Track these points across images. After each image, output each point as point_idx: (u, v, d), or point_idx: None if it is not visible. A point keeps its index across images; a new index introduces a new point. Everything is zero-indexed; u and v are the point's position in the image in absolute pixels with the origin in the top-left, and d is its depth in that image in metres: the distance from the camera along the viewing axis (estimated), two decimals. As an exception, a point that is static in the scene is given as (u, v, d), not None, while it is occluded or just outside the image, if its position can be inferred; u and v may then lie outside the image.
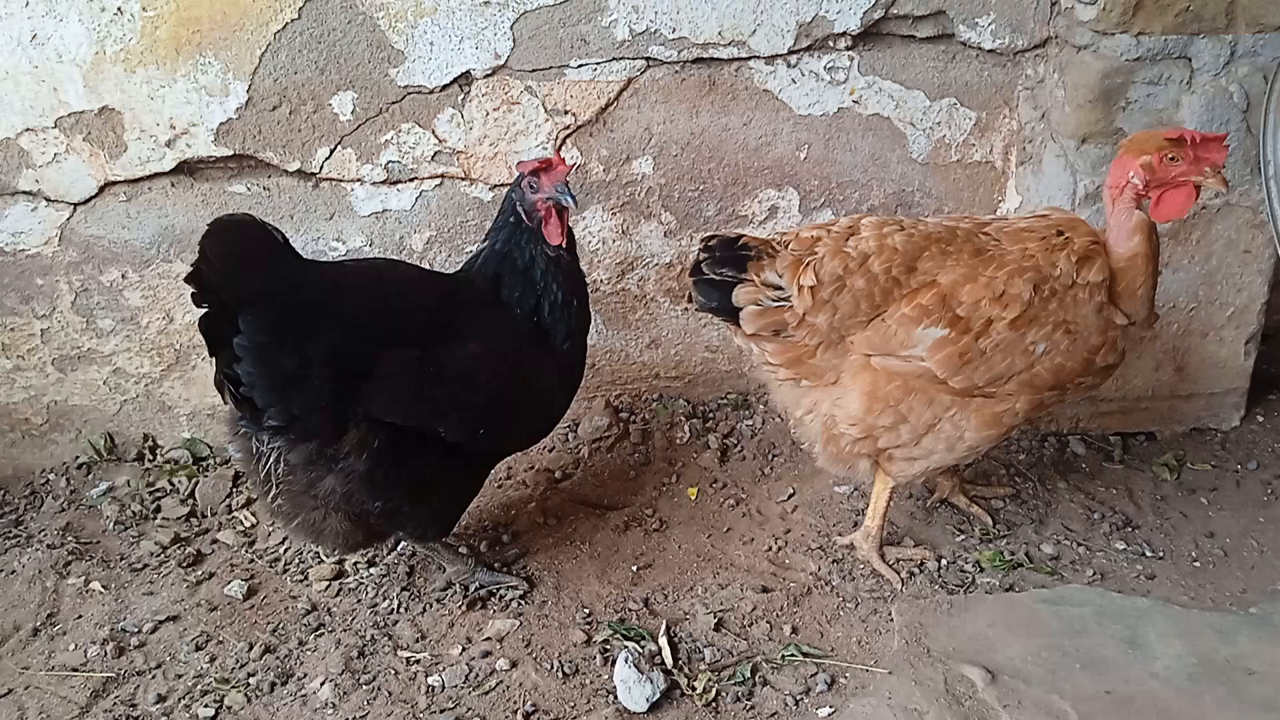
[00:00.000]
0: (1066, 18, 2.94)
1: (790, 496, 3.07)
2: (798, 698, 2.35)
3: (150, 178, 3.03)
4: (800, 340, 2.49)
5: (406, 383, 2.31)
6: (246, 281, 2.14)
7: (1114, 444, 3.22)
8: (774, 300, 2.46)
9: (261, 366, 2.16)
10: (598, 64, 3.01)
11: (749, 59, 3.06)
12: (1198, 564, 2.75)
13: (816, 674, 2.40)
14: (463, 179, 3.11)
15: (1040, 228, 2.50)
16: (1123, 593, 2.61)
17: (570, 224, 2.59)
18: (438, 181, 3.11)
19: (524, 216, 2.52)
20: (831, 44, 3.05)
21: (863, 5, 2.97)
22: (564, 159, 2.54)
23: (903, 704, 2.28)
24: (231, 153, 3.00)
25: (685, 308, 3.37)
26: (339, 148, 3.02)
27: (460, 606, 2.64)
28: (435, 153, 3.06)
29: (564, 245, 2.54)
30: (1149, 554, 2.78)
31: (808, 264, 2.43)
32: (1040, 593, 2.62)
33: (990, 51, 3.07)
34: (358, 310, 2.32)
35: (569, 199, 2.44)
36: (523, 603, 2.65)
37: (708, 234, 2.55)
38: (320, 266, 2.53)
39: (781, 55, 3.05)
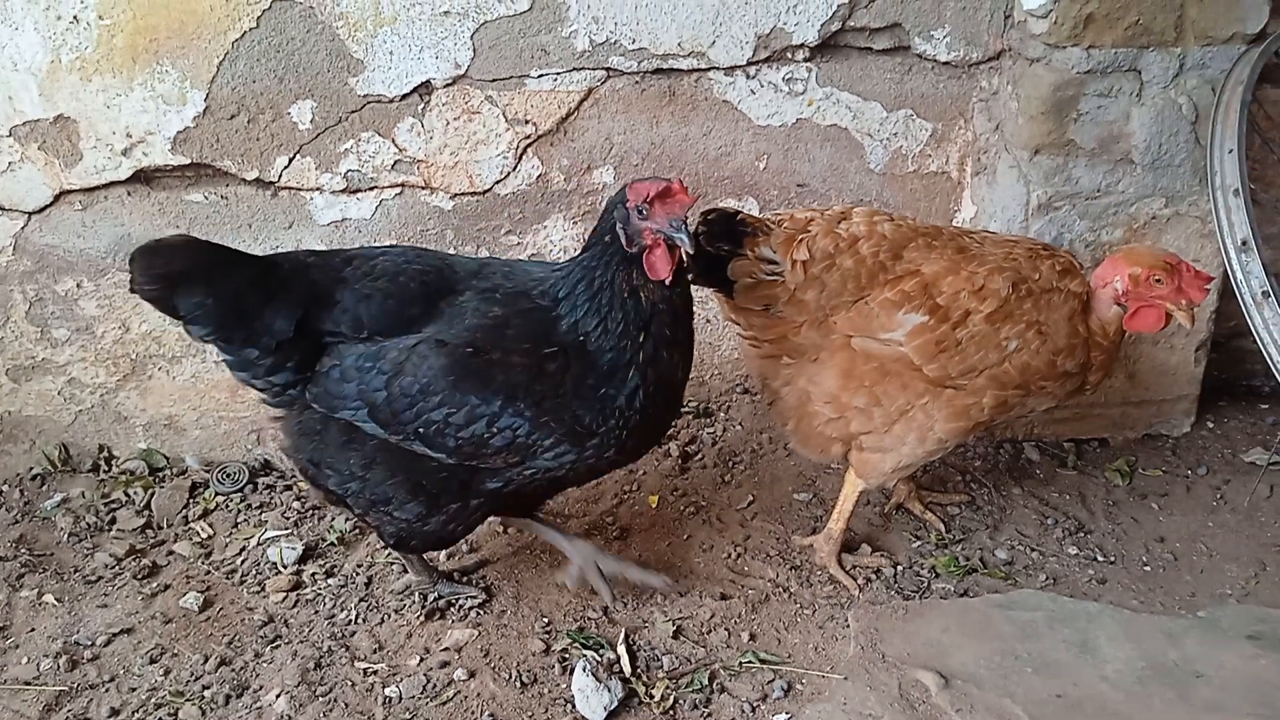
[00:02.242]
0: (1020, 31, 2.98)
1: (750, 504, 3.09)
2: (754, 704, 2.37)
3: (106, 186, 3.01)
4: (789, 316, 2.54)
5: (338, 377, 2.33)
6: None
7: (1067, 450, 3.27)
8: (767, 274, 2.51)
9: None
10: (558, 74, 3.02)
11: (708, 70, 3.08)
12: (1148, 568, 2.80)
13: (773, 680, 2.42)
14: (423, 188, 3.11)
15: (1027, 242, 2.63)
16: (1074, 597, 2.65)
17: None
18: (398, 190, 3.11)
19: (623, 239, 2.23)
20: (790, 55, 3.08)
21: (820, 17, 3.00)
22: (685, 188, 2.19)
23: (858, 709, 2.30)
24: (189, 161, 2.98)
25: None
26: (298, 156, 3.01)
27: (419, 616, 2.63)
28: (395, 161, 3.06)
29: (669, 282, 2.25)
30: (1100, 559, 2.83)
31: (801, 240, 2.50)
32: (994, 598, 2.65)
33: (945, 64, 3.12)
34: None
35: (684, 239, 2.16)
36: (481, 612, 2.65)
37: (707, 208, 2.58)
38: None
39: (740, 66, 3.08)
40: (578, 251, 3.18)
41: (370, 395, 2.29)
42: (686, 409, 3.48)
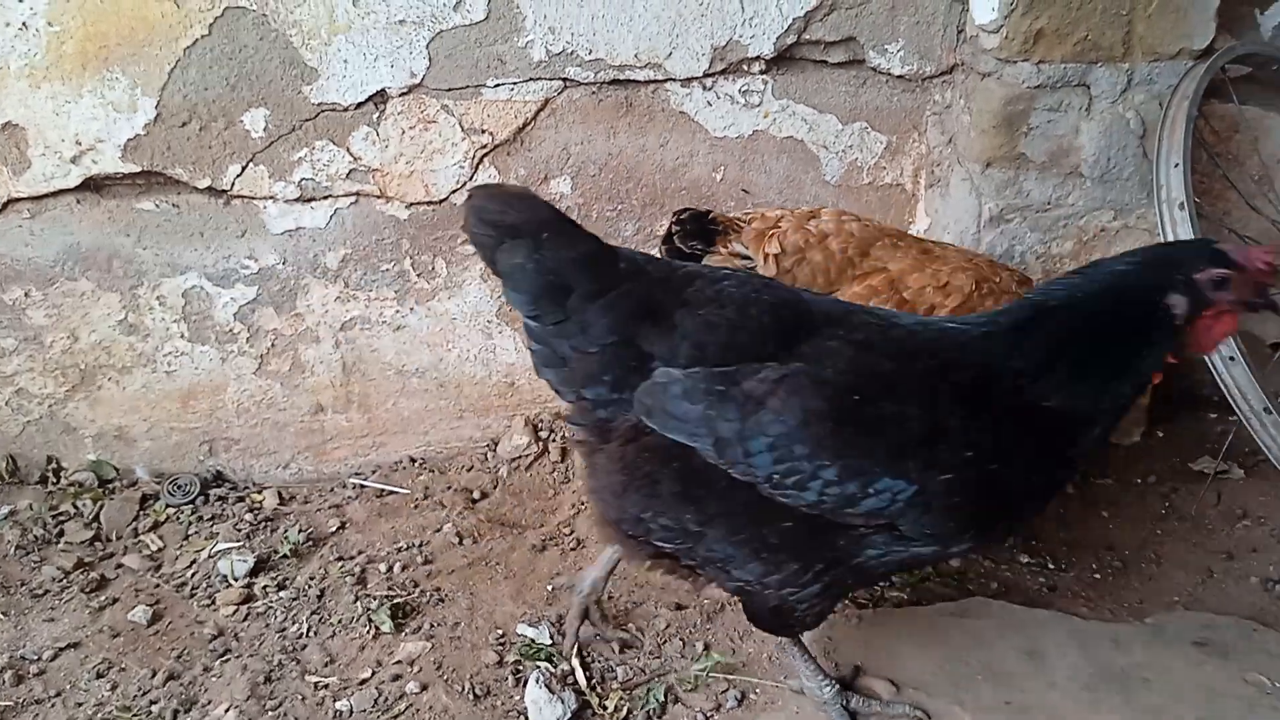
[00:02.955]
0: (972, 45, 3.03)
1: (707, 513, 3.09)
2: (709, 714, 2.36)
3: (55, 195, 2.97)
4: None
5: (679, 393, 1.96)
6: None
7: (1021, 459, 3.30)
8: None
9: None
10: (515, 84, 3.02)
11: (665, 81, 3.10)
12: (1097, 576, 2.83)
13: (728, 690, 2.41)
14: (379, 197, 3.10)
15: (985, 256, 2.70)
16: (1025, 605, 2.67)
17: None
18: (353, 199, 3.09)
19: (1170, 306, 1.95)
20: (746, 67, 3.10)
21: (776, 30, 3.03)
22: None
23: (810, 718, 2.30)
24: (140, 169, 2.94)
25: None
26: (251, 165, 2.99)
27: (370, 631, 2.61)
28: (350, 170, 3.04)
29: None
30: (1051, 567, 2.86)
31: (772, 235, 2.59)
32: (946, 606, 2.66)
33: (900, 77, 3.15)
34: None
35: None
36: (434, 625, 2.63)
37: (680, 208, 2.66)
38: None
39: (697, 78, 3.10)
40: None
41: (718, 425, 1.92)
42: (645, 419, 3.48)
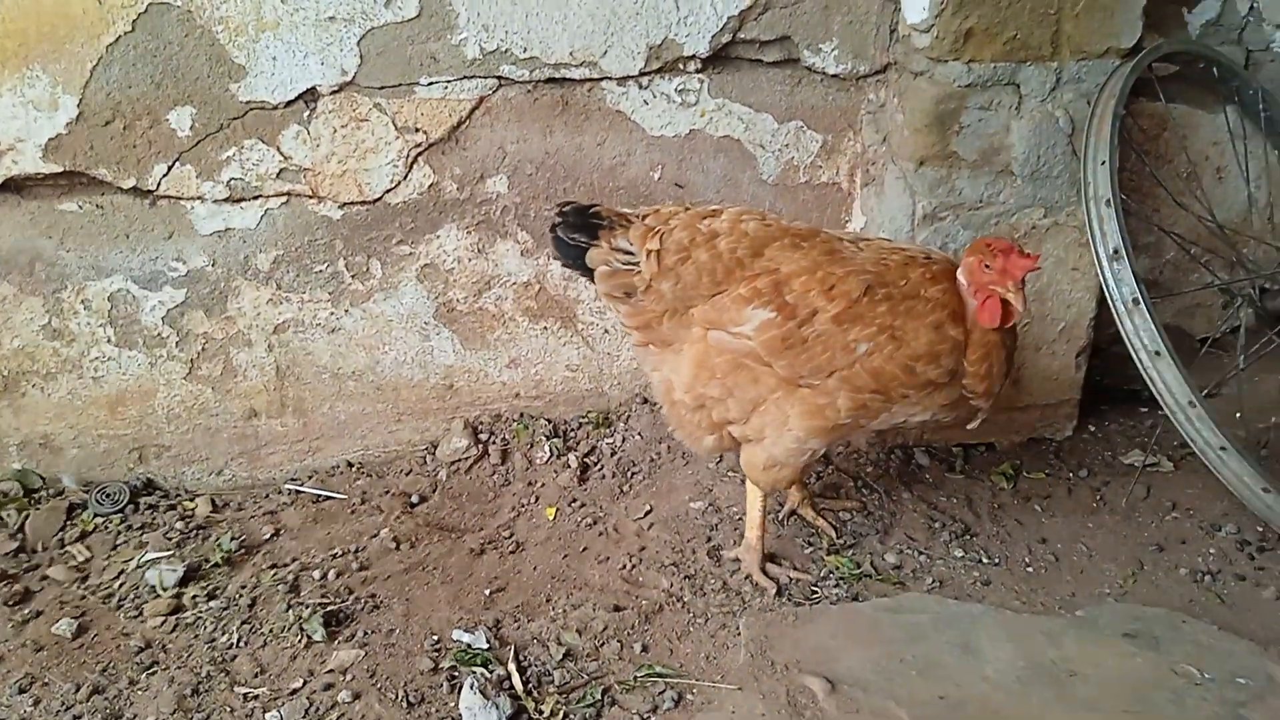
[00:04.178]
0: (904, 45, 3.05)
1: (647, 513, 3.09)
2: (645, 716, 2.35)
3: (-28, 195, 2.89)
4: (648, 306, 2.60)
5: None
6: None
7: (956, 455, 3.34)
8: (623, 264, 2.57)
9: None
10: (449, 82, 2.99)
11: (601, 80, 3.08)
12: (1030, 569, 2.87)
13: (664, 692, 2.41)
14: (310, 197, 3.05)
15: (915, 251, 2.60)
16: (959, 599, 2.70)
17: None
18: (284, 199, 3.04)
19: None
20: (682, 66, 3.10)
21: (711, 29, 3.03)
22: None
23: (745, 717, 2.30)
24: (62, 169, 2.87)
25: (545, 327, 3.37)
26: (177, 164, 2.92)
27: (302, 640, 2.56)
28: (281, 170, 2.99)
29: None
30: (985, 561, 2.89)
31: (657, 232, 2.55)
32: (882, 601, 2.68)
33: (834, 76, 3.17)
34: None
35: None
36: (368, 632, 2.60)
37: (563, 200, 2.67)
38: None
39: (633, 76, 3.09)
40: (470, 258, 3.19)
41: None
42: (586, 419, 3.47)
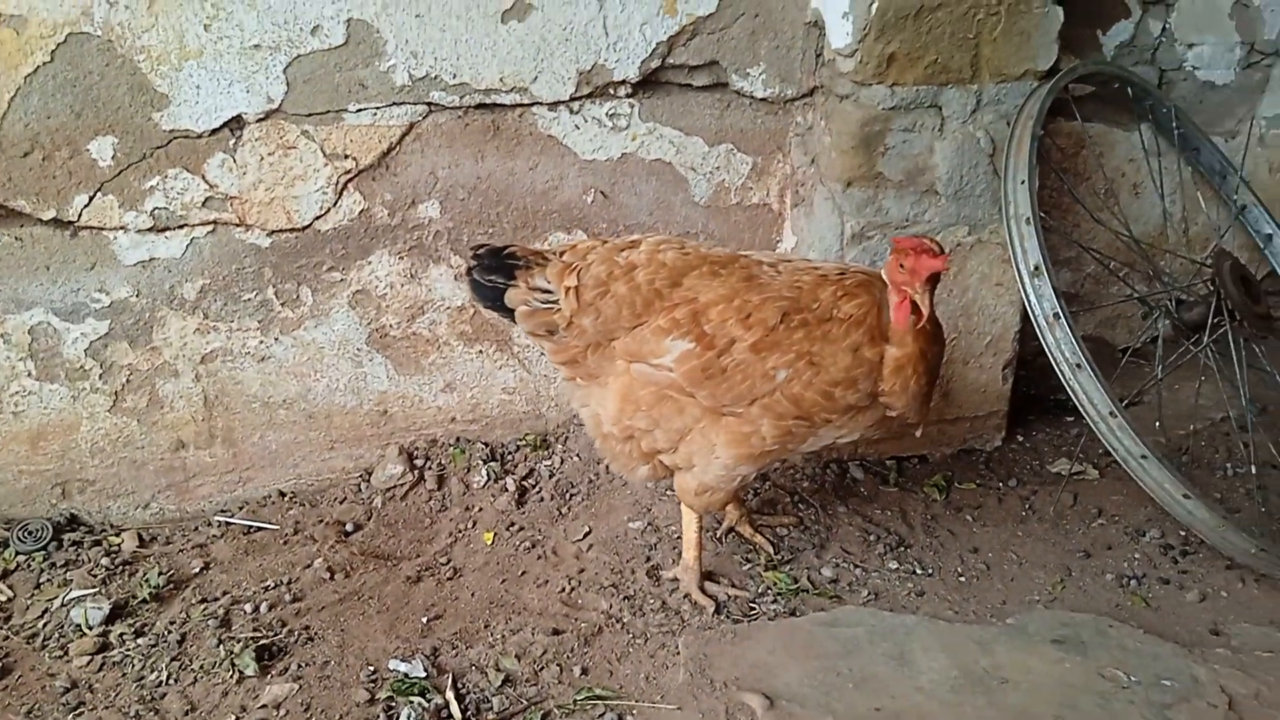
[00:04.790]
0: (830, 69, 3.11)
1: (586, 535, 3.09)
2: (585, 740, 2.36)
3: (-116, 228, 2.81)
4: (571, 341, 2.59)
5: None
6: None
7: (890, 468, 3.39)
8: (542, 302, 2.56)
9: None
10: (378, 108, 2.98)
11: (532, 105, 3.10)
12: (963, 579, 2.92)
13: (604, 714, 2.40)
14: (238, 225, 3.01)
15: (830, 269, 2.59)
16: (894, 611, 2.74)
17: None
18: (210, 228, 3.00)
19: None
20: (612, 91, 3.13)
21: (640, 54, 3.06)
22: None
23: (686, 736, 2.31)
24: (-22, 201, 2.81)
25: (480, 350, 3.37)
26: (99, 194, 2.87)
27: (234, 675, 2.52)
28: (207, 199, 2.96)
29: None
30: (919, 571, 2.93)
31: (574, 269, 2.54)
32: (819, 615, 2.71)
33: (762, 100, 3.22)
34: None
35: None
36: (302, 665, 2.55)
37: (477, 244, 2.64)
38: None
39: (564, 102, 3.11)
40: (403, 284, 3.17)
41: None
42: (524, 442, 3.46)
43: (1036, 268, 2.83)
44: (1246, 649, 2.60)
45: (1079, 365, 2.75)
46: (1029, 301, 2.84)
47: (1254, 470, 3.15)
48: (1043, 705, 2.38)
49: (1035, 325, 2.84)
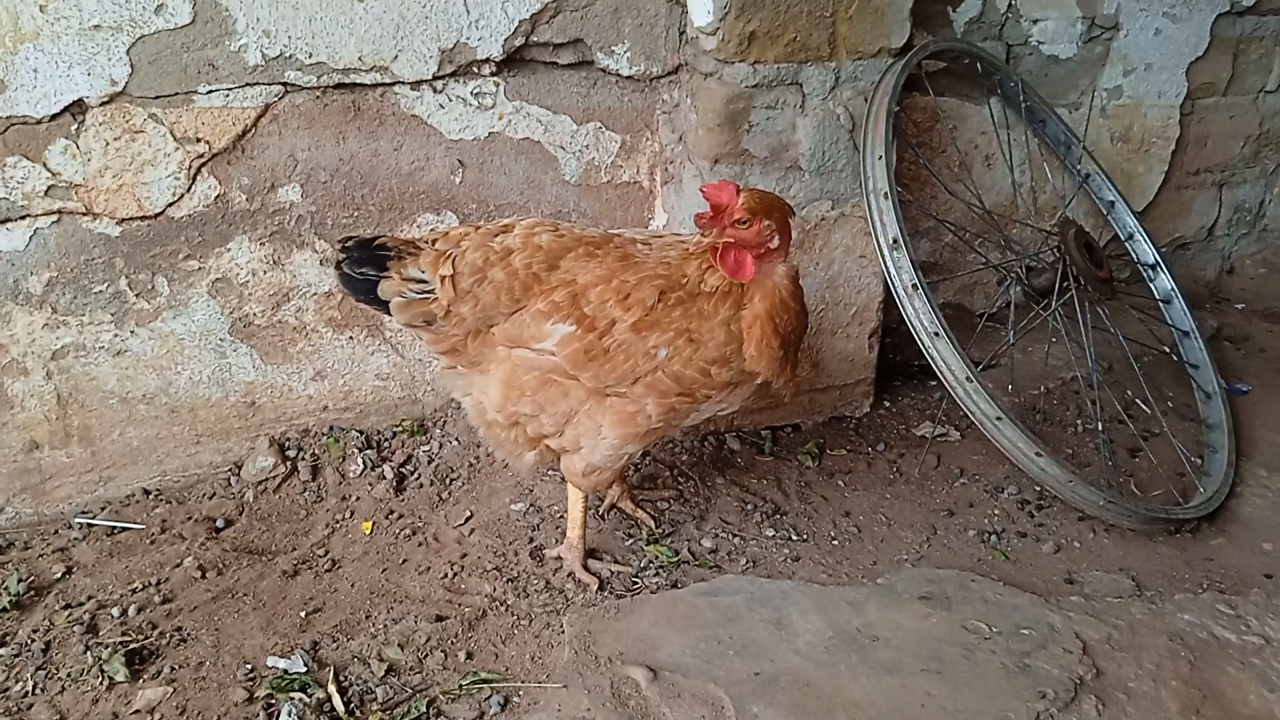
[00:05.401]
0: (694, 47, 3.14)
1: (468, 520, 3.08)
2: (472, 723, 2.36)
3: None
4: (450, 330, 2.56)
5: None
6: None
7: (765, 438, 3.48)
8: (418, 293, 2.52)
9: None
10: (230, 89, 2.87)
11: (393, 84, 3.03)
12: (835, 542, 3.03)
13: (490, 697, 2.41)
14: (84, 214, 2.87)
15: (694, 242, 2.61)
16: (771, 577, 2.82)
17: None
18: (55, 218, 2.85)
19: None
20: (476, 70, 3.09)
21: (503, 32, 3.03)
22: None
23: (571, 714, 2.34)
24: None
25: (351, 336, 3.30)
26: (-71, 185, 2.70)
27: (103, 681, 2.43)
28: (49, 187, 2.80)
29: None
30: (794, 538, 3.03)
31: (449, 256, 2.51)
32: (700, 586, 2.77)
33: (628, 78, 3.23)
34: None
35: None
36: (176, 667, 2.48)
37: (344, 236, 2.57)
38: None
39: (427, 81, 3.06)
40: (266, 270, 3.08)
41: None
42: (401, 428, 3.42)
43: (895, 241, 2.93)
44: (1098, 595, 2.78)
45: (937, 334, 2.87)
46: (889, 273, 2.94)
47: (1100, 426, 3.35)
48: (911, 659, 2.49)
49: (895, 296, 2.94)
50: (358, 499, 3.16)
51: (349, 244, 2.51)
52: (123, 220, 2.91)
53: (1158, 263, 3.84)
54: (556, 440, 2.64)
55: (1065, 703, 2.35)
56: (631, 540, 3.00)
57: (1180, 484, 3.28)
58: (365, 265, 2.49)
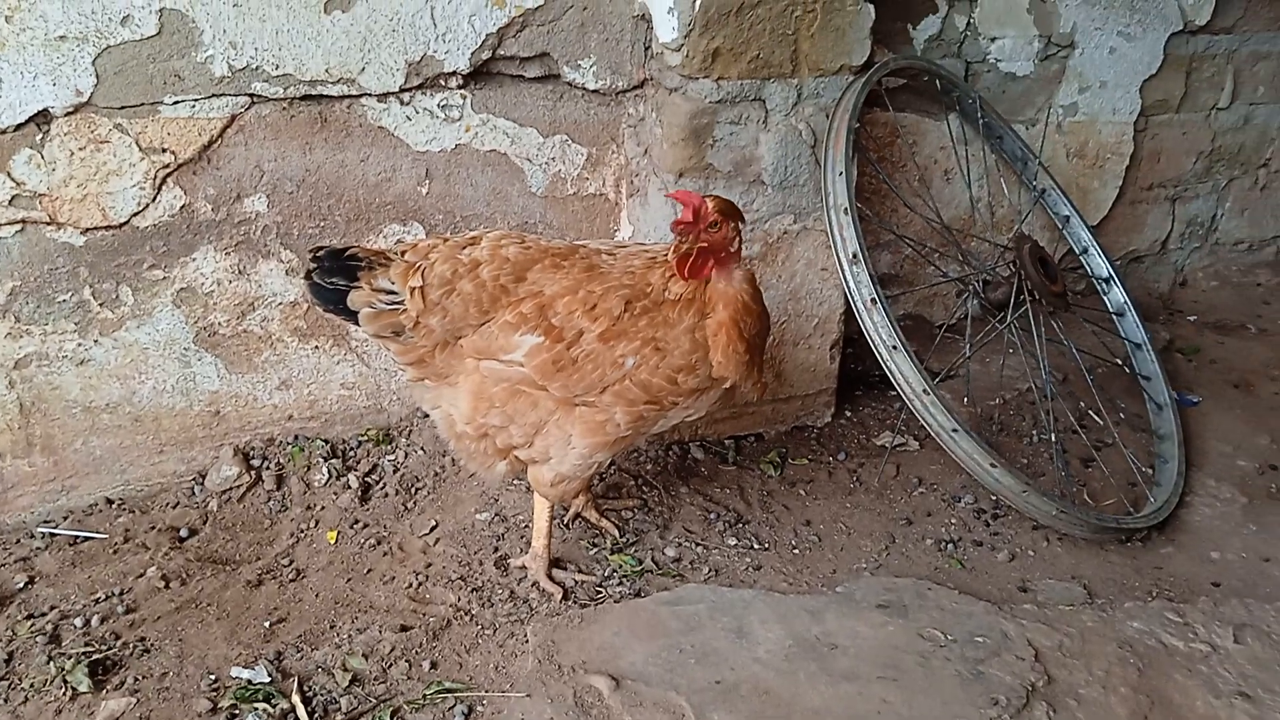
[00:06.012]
0: (659, 62, 3.18)
1: (433, 529, 3.10)
2: (436, 733, 2.38)
3: None
4: (419, 342, 2.58)
5: None
6: None
7: (728, 447, 3.53)
8: (387, 304, 2.54)
9: None
10: (196, 100, 2.88)
11: (360, 96, 3.05)
12: (796, 551, 3.08)
13: (454, 706, 2.44)
14: (49, 224, 2.86)
15: (658, 250, 2.65)
16: (733, 586, 2.86)
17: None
18: (19, 227, 2.84)
19: None
20: (443, 83, 3.11)
21: (470, 45, 3.06)
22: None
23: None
24: None
25: (317, 346, 3.31)
26: (-111, 194, 2.68)
27: (66, 693, 2.43)
28: (13, 197, 2.80)
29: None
30: (756, 546, 3.07)
31: (418, 268, 2.53)
32: (663, 595, 2.81)
33: (594, 92, 3.27)
34: None
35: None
36: (140, 678, 2.49)
37: (315, 246, 2.59)
38: None
39: (394, 93, 3.07)
40: (231, 280, 3.09)
41: None
42: (366, 437, 3.43)
43: (855, 255, 2.99)
44: (1051, 603, 2.85)
45: (895, 347, 2.93)
46: (848, 287, 3.00)
47: (1054, 437, 3.43)
48: (868, 667, 2.54)
49: (854, 310, 3.00)
50: (322, 508, 3.17)
51: (320, 254, 2.53)
52: (87, 230, 2.90)
53: (1111, 276, 3.93)
54: (526, 451, 2.67)
55: (1017, 709, 2.41)
56: (596, 549, 3.04)
57: (1131, 494, 3.36)
58: (336, 275, 2.51)
